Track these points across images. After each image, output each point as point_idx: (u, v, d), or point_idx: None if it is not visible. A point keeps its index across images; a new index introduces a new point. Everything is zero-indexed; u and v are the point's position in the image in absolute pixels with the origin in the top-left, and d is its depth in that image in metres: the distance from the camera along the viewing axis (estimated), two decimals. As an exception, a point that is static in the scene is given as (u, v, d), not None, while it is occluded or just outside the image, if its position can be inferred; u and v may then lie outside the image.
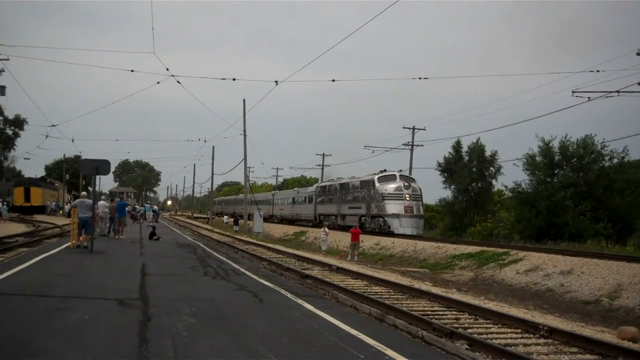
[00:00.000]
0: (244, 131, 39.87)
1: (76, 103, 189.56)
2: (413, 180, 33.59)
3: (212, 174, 65.08)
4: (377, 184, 32.28)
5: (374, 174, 33.83)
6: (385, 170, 33.55)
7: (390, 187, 31.57)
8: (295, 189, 57.15)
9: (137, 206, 52.92)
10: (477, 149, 47.79)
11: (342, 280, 13.78)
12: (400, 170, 34.12)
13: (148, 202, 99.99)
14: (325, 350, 6.08)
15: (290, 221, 50.63)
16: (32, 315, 6.93)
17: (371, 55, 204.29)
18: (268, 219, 56.02)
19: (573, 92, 24.02)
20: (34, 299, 8.13)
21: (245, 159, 40.57)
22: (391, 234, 30.28)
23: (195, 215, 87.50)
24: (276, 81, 26.18)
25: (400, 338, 7.32)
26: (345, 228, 33.07)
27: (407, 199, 30.90)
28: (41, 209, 55.79)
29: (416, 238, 28.13)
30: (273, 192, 62.32)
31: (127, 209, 32.21)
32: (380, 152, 48.09)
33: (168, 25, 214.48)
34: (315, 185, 46.58)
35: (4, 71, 30.17)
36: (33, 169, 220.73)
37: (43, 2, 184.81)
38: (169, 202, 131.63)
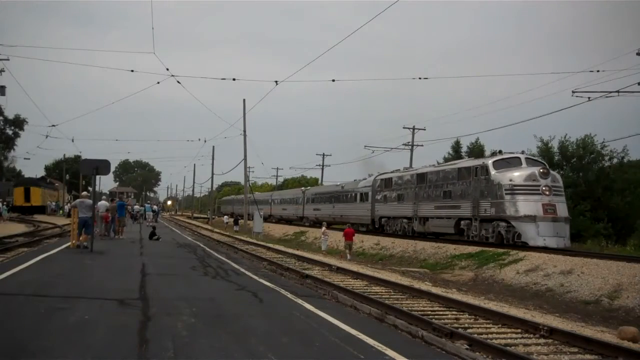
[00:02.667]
0: (244, 131, 39.88)
1: (76, 103, 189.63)
2: (545, 165, 23.11)
3: (212, 174, 65.17)
4: (492, 171, 22.23)
5: (485, 157, 25.36)
6: (500, 152, 24.01)
7: (517, 175, 21.40)
8: (338, 183, 45.22)
9: (136, 206, 52.87)
10: (476, 149, 47.75)
11: (342, 280, 13.78)
12: (523, 152, 24.21)
13: (148, 202, 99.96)
14: (325, 350, 6.08)
15: (335, 224, 40.42)
16: (32, 315, 6.93)
17: (371, 55, 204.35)
18: (296, 221, 49.75)
19: (573, 92, 24.00)
20: (34, 299, 8.12)
21: (245, 159, 40.58)
22: (515, 245, 20.60)
23: (195, 215, 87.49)
24: (276, 81, 26.20)
25: (400, 338, 7.32)
26: (427, 237, 26.75)
27: (546, 193, 20.76)
28: (41, 209, 55.81)
29: (416, 238, 28.05)
30: (304, 188, 52.55)
31: (128, 208, 32.24)
32: (380, 152, 47.42)
33: (168, 25, 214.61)
34: (371, 178, 35.55)
35: (4, 71, 30.22)
36: (33, 169, 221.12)
37: (43, 2, 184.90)
38: (169, 202, 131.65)
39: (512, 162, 22.52)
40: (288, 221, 53.22)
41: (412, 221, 28.50)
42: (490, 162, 22.71)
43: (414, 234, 28.20)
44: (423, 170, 28.80)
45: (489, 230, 22.40)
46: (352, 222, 35.78)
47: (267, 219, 55.81)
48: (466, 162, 25.85)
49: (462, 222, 24.08)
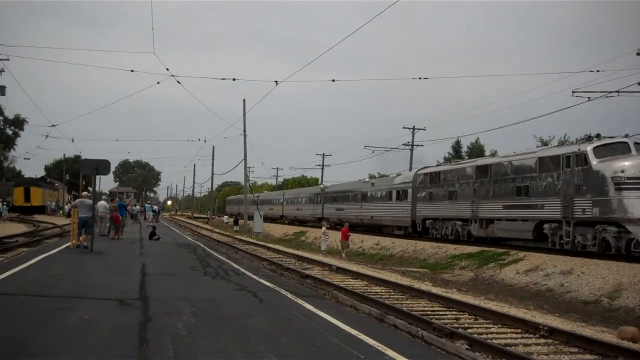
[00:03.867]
0: (244, 131, 39.89)
1: (76, 103, 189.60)
2: None
3: (212, 174, 65.15)
4: (593, 161, 17.69)
5: (581, 141, 19.68)
6: (598, 137, 19.05)
7: (629, 164, 16.87)
8: (367, 179, 39.94)
9: (136, 206, 52.88)
10: (476, 149, 47.85)
11: (342, 280, 13.77)
12: (627, 135, 18.88)
13: (148, 202, 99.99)
14: (325, 350, 6.08)
15: (363, 227, 35.71)
16: (32, 315, 6.93)
17: (371, 55, 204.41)
18: (314, 222, 44.41)
19: (573, 92, 23.97)
20: (34, 299, 8.13)
21: (245, 159, 40.60)
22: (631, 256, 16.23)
23: (195, 215, 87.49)
24: (276, 81, 26.14)
25: (400, 338, 7.32)
26: (489, 242, 22.76)
27: None
28: (41, 209, 55.81)
29: (416, 238, 28.05)
30: (322, 185, 47.74)
31: (128, 208, 32.27)
32: (380, 151, 47.07)
33: (168, 25, 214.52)
34: (410, 172, 31.81)
35: (4, 71, 30.27)
36: (33, 169, 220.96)
37: (43, 2, 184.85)
38: (169, 202, 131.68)
39: (617, 149, 18.09)
40: (303, 223, 48.54)
41: (470, 224, 23.68)
42: (589, 148, 18.07)
43: (470, 239, 23.76)
44: (486, 162, 23.96)
45: (589, 236, 17.63)
46: (386, 224, 32.55)
47: (279, 219, 53.85)
48: (551, 150, 20.67)
49: (546, 225, 19.18)
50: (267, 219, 55.90)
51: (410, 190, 29.36)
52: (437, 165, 29.33)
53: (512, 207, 21.12)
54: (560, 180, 18.78)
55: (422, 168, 30.31)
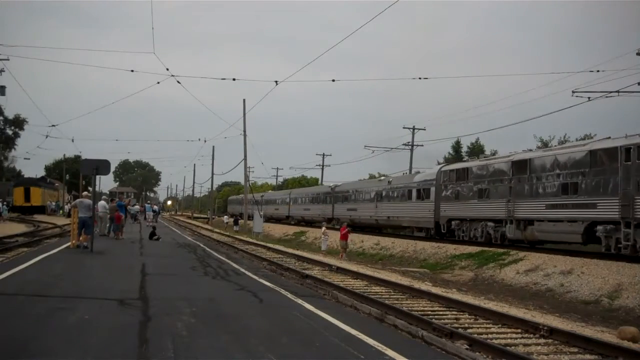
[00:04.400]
0: (244, 131, 39.89)
1: (76, 103, 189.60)
2: None
3: (212, 174, 65.12)
4: None
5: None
6: None
7: None
8: (382, 177, 37.81)
9: (136, 206, 52.88)
10: (476, 149, 47.85)
11: (342, 280, 13.78)
12: None
13: (148, 202, 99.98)
14: (325, 350, 6.08)
15: (376, 229, 34.49)
16: (32, 315, 6.93)
17: (371, 55, 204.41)
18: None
19: (573, 92, 24.00)
20: (34, 299, 8.13)
21: (245, 159, 40.60)
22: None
23: (195, 215, 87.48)
24: (276, 81, 26.16)
25: (400, 338, 7.32)
26: (527, 246, 20.85)
27: None
28: (41, 209, 55.80)
29: (417, 238, 28.05)
30: (333, 184, 44.11)
31: (128, 208, 32.27)
32: (380, 152, 46.88)
33: (168, 25, 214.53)
34: (434, 169, 28.69)
35: (4, 71, 30.28)
36: (33, 169, 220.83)
37: (43, 2, 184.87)
38: (169, 202, 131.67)
39: None
40: (311, 223, 46.15)
41: (504, 225, 21.56)
42: None
43: (504, 242, 21.64)
44: (524, 156, 21.44)
45: None
46: (405, 225, 30.54)
47: (285, 220, 52.79)
48: (606, 142, 18.16)
49: (600, 227, 17.12)
50: (272, 219, 54.59)
51: (433, 189, 26.95)
52: (464, 161, 27.41)
53: (558, 207, 18.90)
54: (617, 176, 16.71)
55: (446, 164, 28.36)
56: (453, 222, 25.27)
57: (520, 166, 21.11)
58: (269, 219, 55.85)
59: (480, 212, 23.30)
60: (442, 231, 26.24)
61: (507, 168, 21.84)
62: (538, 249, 19.83)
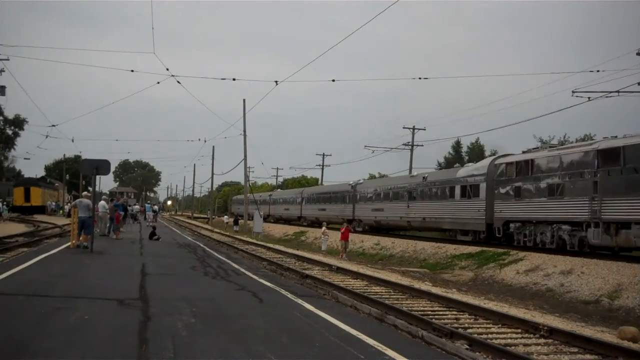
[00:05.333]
0: (244, 131, 39.87)
1: (76, 103, 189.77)
2: None
3: (212, 174, 65.06)
4: None
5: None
6: None
7: None
8: (414, 174, 33.92)
9: (136, 206, 52.91)
10: (476, 149, 47.85)
11: (342, 280, 13.78)
12: None
13: (148, 202, 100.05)
14: (325, 350, 6.08)
15: (411, 231, 31.43)
16: (32, 315, 6.93)
17: (371, 55, 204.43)
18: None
19: (573, 92, 23.98)
20: (34, 299, 8.13)
21: (245, 159, 40.57)
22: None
23: (195, 215, 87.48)
24: (276, 81, 26.16)
25: (400, 338, 7.32)
26: (619, 251, 17.76)
27: None
28: (41, 209, 55.82)
29: (417, 238, 28.02)
30: (353, 182, 39.46)
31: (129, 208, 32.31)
32: (380, 152, 46.81)
33: (168, 25, 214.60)
34: (485, 162, 25.01)
35: (4, 71, 30.29)
36: (33, 169, 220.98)
37: (43, 2, 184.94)
38: (169, 202, 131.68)
39: None
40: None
41: (584, 228, 17.99)
42: None
43: (583, 248, 18.09)
44: (614, 144, 17.21)
45: None
46: (447, 227, 26.54)
47: (296, 221, 49.42)
48: None
49: None
50: (282, 220, 53.12)
51: (483, 185, 23.34)
52: (526, 151, 22.29)
53: None
54: None
55: (502, 156, 24.16)
56: (512, 225, 21.36)
57: (610, 155, 17.10)
58: (277, 220, 54.43)
59: (551, 212, 19.32)
60: (497, 235, 22.21)
61: (590, 158, 17.90)
62: (538, 249, 19.81)
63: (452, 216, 25.67)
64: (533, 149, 21.61)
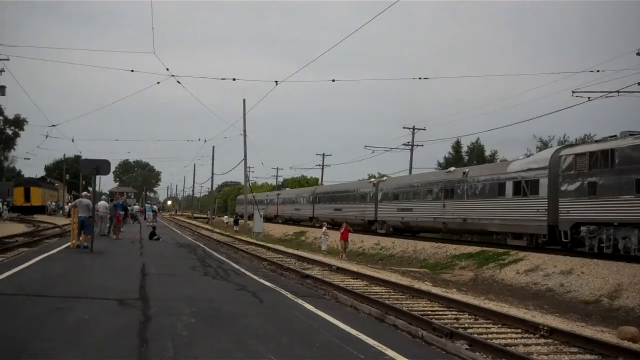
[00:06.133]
0: (244, 131, 39.92)
1: (76, 103, 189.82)
2: None
3: (212, 174, 65.13)
4: None
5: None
6: None
7: None
8: (451, 168, 29.71)
9: (136, 206, 52.93)
10: (476, 149, 47.84)
11: (342, 280, 13.78)
12: None
13: (148, 202, 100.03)
14: (325, 350, 6.08)
15: (448, 234, 28.72)
16: (32, 315, 6.92)
17: (371, 55, 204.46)
18: (364, 226, 34.58)
19: (573, 92, 23.95)
20: (34, 299, 8.12)
21: (245, 159, 40.60)
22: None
23: (195, 215, 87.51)
24: (276, 81, 26.16)
25: (400, 338, 7.32)
26: None
27: None
28: (41, 209, 55.82)
29: (416, 238, 27.98)
30: (375, 179, 36.93)
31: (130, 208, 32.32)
32: (380, 152, 46.68)
33: (168, 25, 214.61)
34: (545, 154, 21.85)
35: (4, 71, 30.26)
36: (33, 169, 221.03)
37: (43, 2, 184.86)
38: (169, 202, 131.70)
39: None
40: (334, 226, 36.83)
41: None
42: None
43: None
44: None
45: None
46: (495, 230, 23.17)
47: (307, 222, 45.82)
48: None
49: None
50: (291, 221, 50.69)
51: (544, 181, 20.12)
52: (598, 140, 19.27)
53: None
54: None
55: (567, 146, 21.09)
56: (583, 228, 18.10)
57: None
58: (286, 221, 52.07)
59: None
60: (563, 240, 18.84)
61: None
62: (538, 249, 19.82)
63: (501, 217, 22.39)
64: (610, 137, 18.08)
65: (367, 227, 34.75)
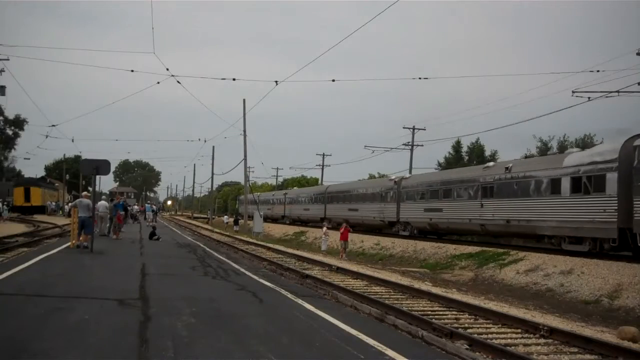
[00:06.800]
0: (244, 131, 39.94)
1: (76, 103, 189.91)
2: None
3: (212, 174, 65.17)
4: None
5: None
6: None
7: None
8: (491, 164, 26.42)
9: (135, 206, 52.94)
10: (476, 149, 47.83)
11: (342, 280, 13.78)
12: None
13: (148, 202, 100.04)
14: (325, 350, 6.08)
15: (486, 237, 25.12)
16: (32, 315, 6.92)
17: (371, 55, 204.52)
18: (384, 229, 32.80)
19: (573, 92, 23.97)
20: (34, 299, 8.12)
21: (245, 159, 40.61)
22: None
23: (195, 215, 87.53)
24: (276, 81, 26.18)
25: (400, 338, 7.32)
26: None
27: None
28: (41, 209, 55.83)
29: (416, 238, 27.96)
30: (397, 177, 33.59)
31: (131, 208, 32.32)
32: (380, 152, 46.55)
33: (168, 25, 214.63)
34: (614, 144, 18.41)
35: (4, 71, 30.25)
36: (33, 169, 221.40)
37: (43, 2, 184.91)
38: (169, 202, 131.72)
39: None
40: (369, 229, 34.76)
41: None
42: None
43: None
44: None
45: None
46: (548, 233, 20.07)
47: (319, 223, 39.26)
48: None
49: None
50: (299, 222, 47.63)
51: (612, 176, 17.32)
52: None
53: None
54: None
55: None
56: None
57: None
58: (294, 221, 49.38)
59: None
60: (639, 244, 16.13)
61: None
62: (538, 249, 19.78)
63: (557, 218, 19.47)
64: None
65: (388, 228, 32.40)
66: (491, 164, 25.72)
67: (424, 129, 47.27)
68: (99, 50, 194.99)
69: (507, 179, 22.38)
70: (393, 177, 33.73)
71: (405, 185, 30.97)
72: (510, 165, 22.94)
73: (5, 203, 48.18)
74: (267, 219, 52.64)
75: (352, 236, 27.20)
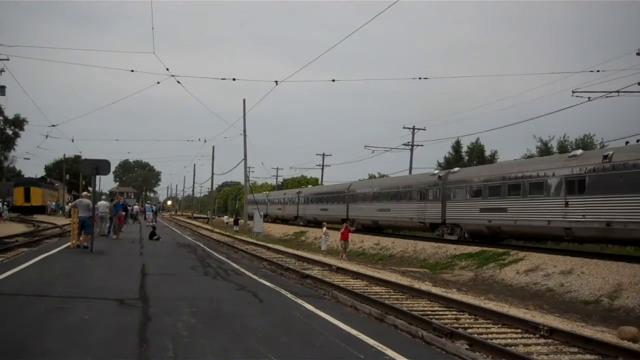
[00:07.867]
0: (244, 131, 39.91)
1: (76, 103, 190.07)
2: None
3: (212, 174, 65.11)
4: None
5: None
6: None
7: None
8: (579, 152, 20.48)
9: (136, 206, 52.94)
10: (476, 149, 47.81)
11: (342, 280, 13.78)
12: None
13: (148, 202, 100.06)
14: (325, 350, 6.08)
15: (550, 240, 23.04)
16: (32, 315, 6.92)
17: (371, 55, 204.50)
18: (414, 230, 29.79)
19: (573, 92, 24.00)
20: (34, 299, 8.12)
21: (245, 159, 40.59)
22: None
23: (195, 215, 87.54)
24: (276, 81, 26.16)
25: (400, 338, 7.32)
26: None
27: None
28: (41, 209, 55.82)
29: (417, 238, 27.95)
30: (441, 171, 29.32)
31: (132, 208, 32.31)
32: (380, 152, 46.44)
33: (168, 25, 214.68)
34: None
35: (4, 71, 30.23)
36: (33, 169, 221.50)
37: (43, 2, 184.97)
38: (169, 202, 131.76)
39: None
40: (398, 230, 32.21)
41: None
42: None
43: None
44: None
45: None
46: (630, 237, 16.82)
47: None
48: None
49: None
50: (313, 223, 42.28)
51: None
52: None
53: None
54: None
55: None
56: None
57: None
58: (309, 223, 44.24)
59: None
60: None
61: None
62: (538, 249, 19.74)
63: None
64: None
65: (429, 231, 28.06)
66: (579, 151, 20.53)
67: (424, 129, 47.29)
68: (99, 50, 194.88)
69: (606, 170, 17.41)
70: (436, 172, 29.44)
71: (452, 180, 25.95)
72: (611, 152, 17.82)
73: (5, 203, 48.16)
74: (277, 220, 52.52)
75: (352, 236, 27.22)
